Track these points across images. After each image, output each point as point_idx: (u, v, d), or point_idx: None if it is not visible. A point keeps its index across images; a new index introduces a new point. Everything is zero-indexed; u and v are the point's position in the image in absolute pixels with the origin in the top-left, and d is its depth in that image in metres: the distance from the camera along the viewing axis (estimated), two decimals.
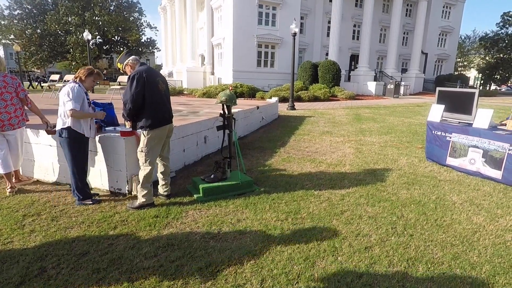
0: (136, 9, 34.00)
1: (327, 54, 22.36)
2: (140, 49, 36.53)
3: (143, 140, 2.80)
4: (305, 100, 16.03)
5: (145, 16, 41.84)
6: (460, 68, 44.08)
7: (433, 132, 4.71)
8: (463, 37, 43.08)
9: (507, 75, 37.88)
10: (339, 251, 2.31)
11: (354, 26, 25.11)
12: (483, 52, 39.74)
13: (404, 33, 27.38)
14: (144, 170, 2.84)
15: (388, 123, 8.89)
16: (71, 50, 29.02)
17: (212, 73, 23.13)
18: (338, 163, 4.65)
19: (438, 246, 2.43)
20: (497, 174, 3.95)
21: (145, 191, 2.86)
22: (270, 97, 13.83)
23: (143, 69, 2.77)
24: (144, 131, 2.79)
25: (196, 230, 2.59)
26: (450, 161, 4.52)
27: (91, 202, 3.00)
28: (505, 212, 3.07)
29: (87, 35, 16.49)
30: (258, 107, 7.75)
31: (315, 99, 16.53)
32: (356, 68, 23.12)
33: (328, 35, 22.60)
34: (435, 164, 4.71)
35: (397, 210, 3.05)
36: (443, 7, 27.97)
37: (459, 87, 24.03)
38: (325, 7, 23.22)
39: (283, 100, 14.90)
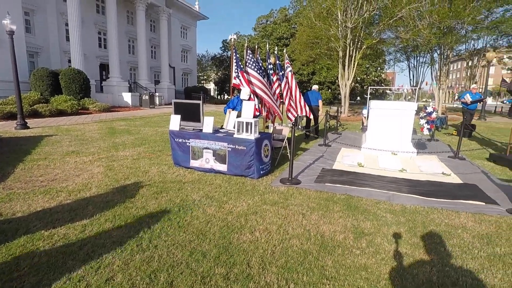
0: None
1: (70, 61, 19.60)
2: None
3: None
4: (47, 115, 13.23)
5: None
6: (202, 81, 52.89)
7: (175, 140, 5.20)
8: (200, 56, 51.83)
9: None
10: None
11: (99, 33, 23.62)
12: (215, 69, 49.80)
13: (152, 47, 29.07)
14: None
15: (143, 134, 9.04)
16: None
17: None
18: (82, 188, 4.09)
19: (179, 247, 2.63)
20: (224, 167, 4.94)
21: None
22: None
23: None
24: None
25: None
26: (193, 163, 5.17)
27: None
28: (229, 198, 3.87)
29: None
30: None
31: (61, 113, 14.04)
32: (108, 78, 21.93)
33: (68, 39, 19.79)
34: (181, 169, 5.22)
35: (144, 223, 3.06)
36: (181, 28, 32.33)
37: (203, 97, 28.80)
38: (58, 6, 20.12)
39: (11, 116, 11.53)
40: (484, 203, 3.92)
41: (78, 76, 16.78)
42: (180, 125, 5.21)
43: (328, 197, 4.02)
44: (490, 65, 18.58)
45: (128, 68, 26.61)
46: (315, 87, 9.94)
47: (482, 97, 11.31)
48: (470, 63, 22.65)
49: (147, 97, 20.85)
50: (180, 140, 5.17)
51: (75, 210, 3.33)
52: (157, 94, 23.70)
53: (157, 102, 22.90)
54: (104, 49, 23.59)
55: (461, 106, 10.96)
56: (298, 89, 7.65)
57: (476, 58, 22.22)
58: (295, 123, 8.16)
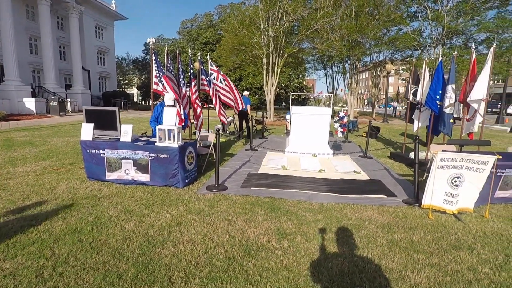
0: None
1: None
2: None
3: None
4: None
5: None
6: (124, 86, 49.17)
7: (87, 151, 4.69)
8: (120, 58, 48.17)
9: None
10: None
11: None
12: (138, 72, 46.91)
13: (60, 47, 25.85)
14: None
15: (50, 146, 7.93)
16: None
17: None
18: None
19: (91, 271, 2.36)
20: (147, 177, 4.65)
21: None
22: None
23: None
24: None
25: None
26: (110, 175, 4.73)
27: None
28: (151, 211, 3.65)
29: None
30: None
31: None
32: (3, 81, 18.70)
33: None
34: (97, 182, 4.73)
35: (48, 249, 2.66)
36: (96, 27, 29.55)
37: (124, 103, 26.79)
38: None
39: None
40: (386, 196, 4.51)
41: None
42: (93, 135, 4.72)
43: (253, 201, 4.11)
44: (389, 75, 21.69)
45: (31, 70, 23.15)
46: (245, 93, 11.82)
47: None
48: (374, 73, 26.07)
49: (56, 103, 18.40)
50: (94, 151, 4.68)
51: None
52: (68, 99, 21.18)
53: (69, 109, 20.49)
54: None
55: None
56: (235, 88, 8.11)
57: (379, 69, 25.70)
58: (222, 129, 8.26)
